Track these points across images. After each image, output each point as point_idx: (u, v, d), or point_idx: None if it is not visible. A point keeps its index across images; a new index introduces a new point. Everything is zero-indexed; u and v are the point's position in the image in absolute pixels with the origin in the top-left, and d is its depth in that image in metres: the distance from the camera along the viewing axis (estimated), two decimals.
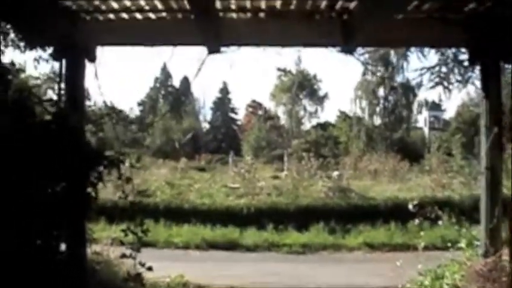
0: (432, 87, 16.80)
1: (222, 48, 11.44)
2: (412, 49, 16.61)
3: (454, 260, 13.26)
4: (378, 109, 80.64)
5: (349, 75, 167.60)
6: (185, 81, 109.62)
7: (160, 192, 31.84)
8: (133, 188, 29.22)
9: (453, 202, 26.56)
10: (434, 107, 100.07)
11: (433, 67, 16.28)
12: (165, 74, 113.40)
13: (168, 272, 16.56)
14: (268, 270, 19.85)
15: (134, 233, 10.34)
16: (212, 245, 24.28)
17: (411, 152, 61.98)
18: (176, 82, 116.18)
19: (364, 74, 79.19)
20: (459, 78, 16.43)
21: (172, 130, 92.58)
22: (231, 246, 24.27)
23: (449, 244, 15.18)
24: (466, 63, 13.89)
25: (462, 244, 13.69)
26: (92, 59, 11.82)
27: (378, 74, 78.61)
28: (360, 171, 47.36)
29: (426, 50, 14.87)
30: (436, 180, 35.27)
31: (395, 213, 26.20)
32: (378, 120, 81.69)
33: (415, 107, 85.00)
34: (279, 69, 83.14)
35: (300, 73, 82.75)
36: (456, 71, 16.24)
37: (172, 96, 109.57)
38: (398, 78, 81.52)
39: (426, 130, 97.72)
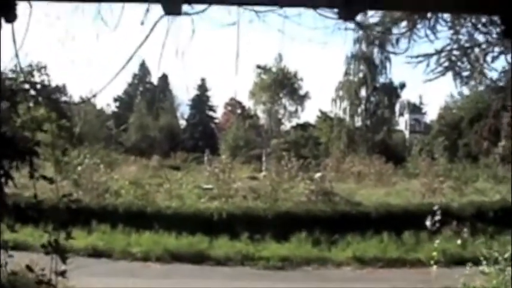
0: (441, 73, 13.04)
1: (184, 9, 7.52)
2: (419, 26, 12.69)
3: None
4: (359, 110, 77.74)
5: (331, 74, 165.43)
6: (164, 78, 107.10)
7: (124, 193, 28.05)
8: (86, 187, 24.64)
9: (452, 210, 22.90)
10: (415, 109, 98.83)
11: (443, 50, 12.71)
12: (144, 70, 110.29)
13: None
14: None
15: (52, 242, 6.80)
16: (176, 257, 20.29)
17: (393, 155, 59.41)
18: (154, 79, 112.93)
19: (346, 73, 77.19)
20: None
21: (149, 127, 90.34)
22: (199, 258, 20.23)
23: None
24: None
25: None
26: (10, 19, 8.04)
27: (360, 74, 76.64)
28: (342, 173, 44.90)
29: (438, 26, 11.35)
30: (426, 185, 31.89)
31: (387, 222, 22.70)
32: (359, 122, 79.19)
33: (397, 108, 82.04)
34: (258, 67, 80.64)
35: (281, 71, 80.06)
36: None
37: (150, 93, 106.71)
38: (381, 79, 79.25)
39: (407, 133, 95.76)
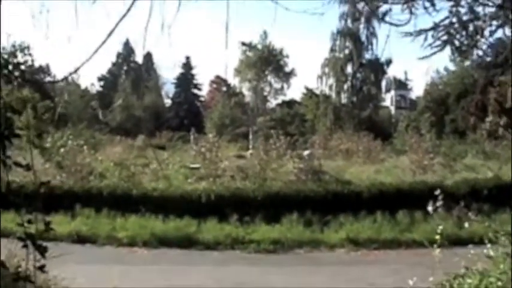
0: (439, 47, 12.12)
1: None
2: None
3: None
4: (345, 87, 76.76)
5: (317, 51, 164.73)
6: (148, 57, 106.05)
7: (109, 175, 27.18)
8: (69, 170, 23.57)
9: (446, 188, 22.07)
10: (401, 85, 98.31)
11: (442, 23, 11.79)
12: (128, 49, 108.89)
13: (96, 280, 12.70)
14: (229, 279, 15.46)
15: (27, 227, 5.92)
16: (163, 241, 19.40)
17: (379, 131, 58.83)
18: (139, 58, 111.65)
19: (332, 50, 76.36)
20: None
21: (134, 106, 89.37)
22: (187, 242, 19.36)
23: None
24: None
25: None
26: None
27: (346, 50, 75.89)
28: (330, 150, 43.99)
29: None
30: (416, 162, 31.35)
31: (380, 201, 21.96)
32: (345, 99, 78.23)
33: (383, 85, 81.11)
34: (243, 44, 79.71)
35: (266, 48, 79.18)
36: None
37: (135, 72, 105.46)
38: (367, 55, 78.04)
39: (392, 109, 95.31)
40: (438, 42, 12.10)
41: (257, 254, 18.65)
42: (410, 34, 11.79)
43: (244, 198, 22.04)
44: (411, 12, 11.28)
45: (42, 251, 6.34)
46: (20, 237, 6.20)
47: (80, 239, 19.53)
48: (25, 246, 6.99)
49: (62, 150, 28.04)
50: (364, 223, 20.66)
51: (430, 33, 11.96)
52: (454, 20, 11.89)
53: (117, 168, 27.32)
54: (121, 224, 20.45)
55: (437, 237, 12.64)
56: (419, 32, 11.84)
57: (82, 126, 45.60)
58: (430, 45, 12.24)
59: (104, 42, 6.69)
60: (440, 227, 11.84)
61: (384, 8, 12.69)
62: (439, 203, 14.44)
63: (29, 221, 6.61)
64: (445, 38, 12.15)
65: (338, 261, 17.94)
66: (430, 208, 15.23)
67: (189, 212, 20.88)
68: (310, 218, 21.00)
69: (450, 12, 11.59)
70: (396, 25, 12.85)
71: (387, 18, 13.70)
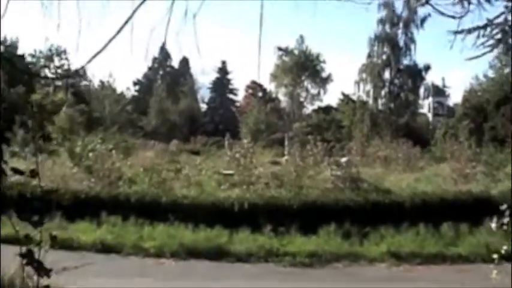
0: (493, 46, 10.78)
1: None
2: None
3: None
4: (382, 93, 75.83)
5: (354, 57, 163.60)
6: (184, 62, 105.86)
7: (139, 180, 26.11)
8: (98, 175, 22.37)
9: (492, 199, 20.68)
10: (438, 92, 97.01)
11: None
12: (164, 54, 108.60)
13: None
14: None
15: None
16: (192, 253, 17.95)
17: (417, 139, 57.45)
18: (175, 63, 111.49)
19: (369, 55, 75.16)
20: None
21: (169, 111, 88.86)
22: (217, 254, 17.86)
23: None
24: None
25: None
26: None
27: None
28: (367, 157, 43.21)
29: None
30: (457, 170, 30.14)
31: (423, 212, 20.35)
32: (382, 105, 77.31)
33: (421, 91, 79.70)
34: (280, 49, 79.13)
35: (302, 53, 78.51)
36: None
37: (171, 77, 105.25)
38: (405, 61, 76.86)
39: (430, 116, 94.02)
40: (491, 42, 10.76)
41: (292, 267, 17.19)
42: (461, 32, 10.45)
43: (279, 207, 20.60)
44: (463, 6, 9.96)
45: (42, 270, 5.17)
46: (21, 253, 5.04)
47: (105, 248, 18.27)
48: (28, 264, 5.78)
49: (91, 154, 27.03)
50: (407, 236, 19.10)
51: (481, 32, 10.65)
52: (510, 17, 10.56)
53: (147, 174, 26.14)
54: (148, 233, 19.12)
55: (495, 256, 11.27)
56: (471, 30, 10.50)
57: (113, 130, 44.57)
58: (482, 44, 10.85)
59: (117, 33, 5.62)
60: (505, 247, 10.59)
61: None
62: (506, 219, 12.92)
63: (26, 237, 5.45)
64: (499, 36, 10.79)
65: (379, 277, 16.49)
66: (493, 225, 13.72)
67: (220, 221, 19.49)
68: (348, 229, 19.47)
69: (506, 7, 10.28)
70: (452, 17, 11.41)
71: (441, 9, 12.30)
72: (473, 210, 20.12)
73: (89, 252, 17.94)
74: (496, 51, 10.57)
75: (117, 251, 18.21)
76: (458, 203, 20.68)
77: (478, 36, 10.72)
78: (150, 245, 18.21)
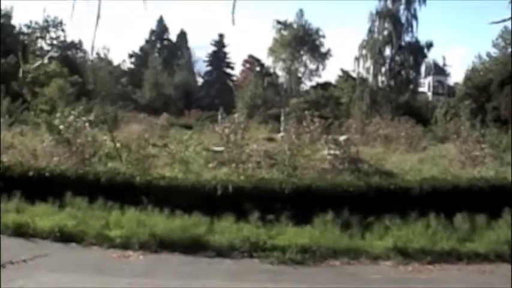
0: None
1: None
2: None
3: None
4: (383, 70, 74.47)
5: (354, 32, 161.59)
6: (182, 35, 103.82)
7: (117, 157, 23.34)
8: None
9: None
10: (439, 71, 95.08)
11: None
12: (161, 26, 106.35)
13: None
14: None
15: None
16: (165, 244, 15.01)
17: (418, 117, 55.26)
18: (173, 36, 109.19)
19: (370, 31, 72.97)
20: None
21: (164, 84, 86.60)
22: (194, 246, 14.95)
23: None
24: None
25: None
26: None
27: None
28: (367, 136, 41.74)
29: None
30: (466, 152, 27.53)
31: (434, 200, 17.37)
32: (382, 82, 75.76)
33: (422, 69, 77.86)
34: (278, 22, 77.55)
35: (302, 27, 76.61)
36: None
37: (168, 50, 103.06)
38: (407, 37, 75.05)
39: (430, 95, 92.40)
40: None
41: (281, 265, 14.22)
42: None
43: (268, 191, 17.60)
44: None
45: None
46: None
47: (64, 237, 15.40)
48: None
49: (70, 128, 24.13)
50: (415, 228, 16.12)
51: None
52: None
53: (125, 150, 23.20)
54: (116, 218, 16.15)
55: None
56: None
57: (96, 101, 41.67)
58: None
59: None
60: None
61: None
62: None
63: None
64: None
65: (384, 279, 13.58)
66: None
67: (200, 207, 16.51)
68: (348, 219, 16.48)
69: None
70: None
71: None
72: (490, 199, 17.36)
73: (46, 240, 15.24)
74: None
75: (78, 241, 15.37)
76: (473, 191, 17.83)
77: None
78: (116, 234, 15.31)
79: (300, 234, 15.64)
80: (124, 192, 17.64)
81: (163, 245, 15.05)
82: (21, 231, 15.51)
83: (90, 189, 17.74)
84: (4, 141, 26.33)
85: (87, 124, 23.98)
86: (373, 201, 17.36)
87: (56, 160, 21.59)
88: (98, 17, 5.17)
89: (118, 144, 23.67)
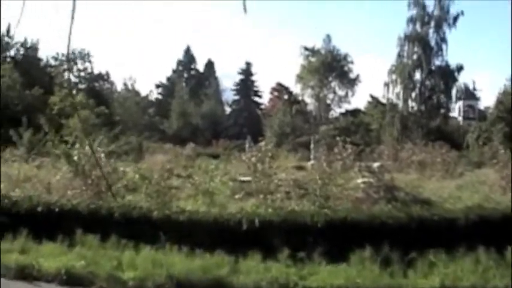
0: None
1: None
2: None
3: None
4: (413, 94, 73.49)
5: (383, 57, 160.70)
6: (209, 65, 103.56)
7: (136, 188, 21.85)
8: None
9: None
10: (469, 95, 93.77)
11: None
12: (189, 56, 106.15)
13: None
14: None
15: None
16: (184, 287, 13.32)
17: (450, 142, 53.38)
18: (200, 66, 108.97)
19: (399, 55, 71.81)
20: None
21: (191, 114, 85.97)
22: None
23: None
24: None
25: None
26: None
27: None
28: (400, 162, 39.61)
29: None
30: (507, 177, 25.43)
31: (482, 231, 15.48)
32: (413, 107, 74.41)
33: (453, 92, 76.74)
34: (306, 49, 76.48)
35: (330, 53, 75.55)
36: None
37: (195, 80, 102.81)
38: (437, 61, 73.50)
39: (460, 119, 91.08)
40: None
41: None
42: None
43: (299, 225, 15.83)
44: None
45: None
46: None
47: (71, 280, 13.72)
48: None
49: (85, 158, 22.61)
50: (463, 264, 14.36)
51: None
52: None
53: (145, 182, 21.51)
54: (130, 258, 14.46)
55: None
56: None
57: (116, 131, 40.12)
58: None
59: None
60: None
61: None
62: None
63: None
64: None
65: None
66: None
67: (223, 244, 14.90)
68: (388, 255, 14.70)
69: None
70: None
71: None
72: None
73: (51, 284, 13.55)
74: None
75: (86, 284, 13.67)
76: None
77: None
78: (130, 276, 13.59)
79: (335, 273, 13.86)
80: (140, 228, 16.03)
81: (182, 287, 13.34)
82: (24, 274, 13.97)
83: (103, 225, 16.16)
84: (20, 174, 24.99)
85: (102, 155, 22.44)
86: (415, 234, 15.54)
87: (70, 194, 20.07)
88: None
89: (137, 176, 22.05)
